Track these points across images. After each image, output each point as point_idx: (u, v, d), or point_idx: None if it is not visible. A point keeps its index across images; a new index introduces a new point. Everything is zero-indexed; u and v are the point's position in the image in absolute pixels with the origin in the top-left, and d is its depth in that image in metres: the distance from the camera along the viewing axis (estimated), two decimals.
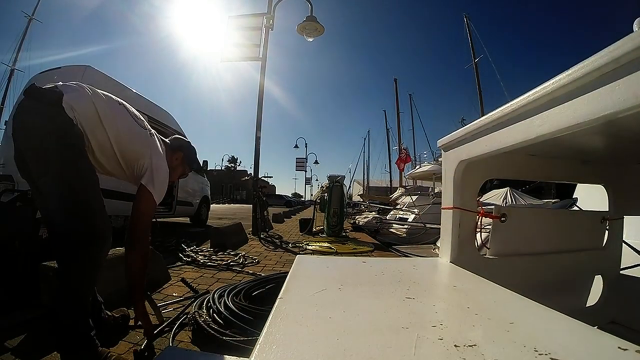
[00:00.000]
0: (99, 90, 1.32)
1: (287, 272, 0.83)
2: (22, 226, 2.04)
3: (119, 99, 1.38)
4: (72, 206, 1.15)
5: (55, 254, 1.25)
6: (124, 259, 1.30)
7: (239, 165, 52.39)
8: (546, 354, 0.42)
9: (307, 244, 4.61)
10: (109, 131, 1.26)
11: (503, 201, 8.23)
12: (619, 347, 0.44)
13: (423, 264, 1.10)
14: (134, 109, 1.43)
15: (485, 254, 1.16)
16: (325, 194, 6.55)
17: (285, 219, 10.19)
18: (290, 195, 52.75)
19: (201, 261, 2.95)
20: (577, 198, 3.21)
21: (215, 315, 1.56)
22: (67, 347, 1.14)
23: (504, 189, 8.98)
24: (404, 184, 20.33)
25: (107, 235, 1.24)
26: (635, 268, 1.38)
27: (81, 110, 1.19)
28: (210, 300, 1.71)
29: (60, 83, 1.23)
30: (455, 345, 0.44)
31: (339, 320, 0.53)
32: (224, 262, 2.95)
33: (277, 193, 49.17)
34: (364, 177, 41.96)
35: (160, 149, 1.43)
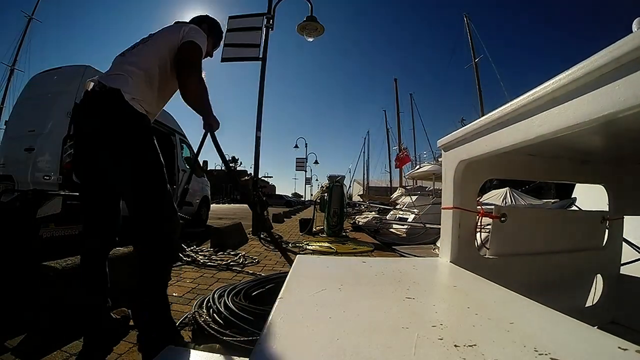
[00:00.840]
0: (122, 59, 1.37)
1: (287, 272, 0.83)
2: (22, 226, 2.04)
3: (133, 47, 1.42)
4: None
5: None
6: (183, 92, 1.35)
7: (239, 165, 52.42)
8: (546, 354, 0.42)
9: (307, 244, 4.61)
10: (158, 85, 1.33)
11: (503, 201, 8.23)
12: (619, 347, 0.44)
13: (423, 264, 1.10)
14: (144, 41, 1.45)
15: (485, 254, 1.16)
16: (325, 194, 6.55)
17: (285, 219, 10.19)
18: (290, 195, 52.70)
19: (201, 261, 2.95)
20: (575, 198, 3.21)
21: (215, 315, 1.56)
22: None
23: (503, 189, 8.99)
24: (404, 184, 20.32)
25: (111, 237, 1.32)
26: (636, 268, 1.38)
27: (134, 91, 1.24)
28: (210, 300, 1.71)
29: (105, 76, 1.28)
30: (455, 345, 0.44)
31: (339, 320, 0.53)
32: (224, 262, 2.95)
33: (277, 193, 49.14)
34: (364, 177, 41.98)
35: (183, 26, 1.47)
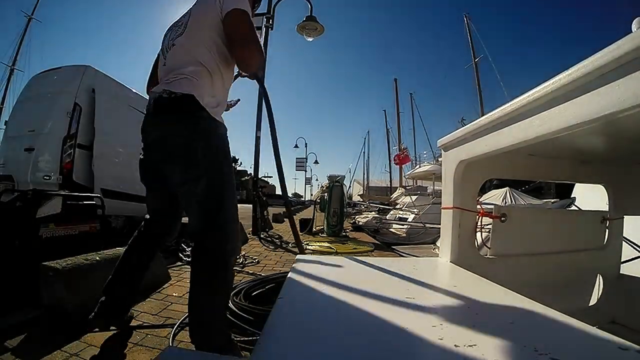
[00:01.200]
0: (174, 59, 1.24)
1: (287, 272, 0.83)
2: (22, 226, 2.04)
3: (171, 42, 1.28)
4: None
5: None
6: (246, 70, 1.26)
7: (239, 165, 52.40)
8: (546, 354, 0.42)
9: (307, 244, 4.61)
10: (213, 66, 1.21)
11: (503, 201, 8.23)
12: (619, 347, 0.44)
13: (423, 264, 1.10)
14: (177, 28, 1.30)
15: (485, 254, 1.16)
16: (325, 194, 6.55)
17: (285, 219, 10.18)
18: (290, 195, 52.67)
19: None
20: (575, 197, 3.21)
21: None
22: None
23: (503, 189, 8.99)
24: (404, 184, 20.34)
25: None
26: (636, 268, 1.38)
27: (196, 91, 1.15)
28: None
29: (168, 83, 1.18)
30: (455, 345, 0.44)
31: (339, 320, 0.53)
32: None
33: (277, 193, 49.15)
34: (364, 177, 42.00)
35: None
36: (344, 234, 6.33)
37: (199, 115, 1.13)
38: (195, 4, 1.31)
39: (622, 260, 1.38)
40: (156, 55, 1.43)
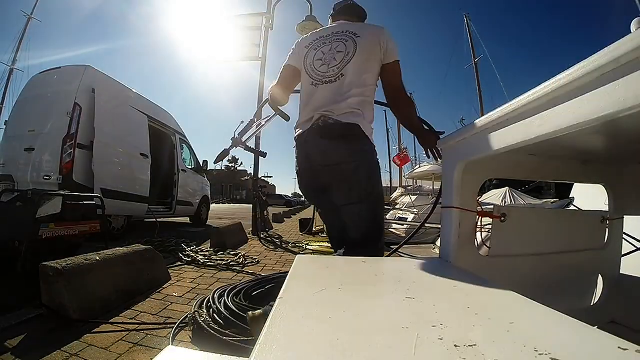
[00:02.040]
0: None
1: (287, 272, 0.83)
2: (22, 226, 2.04)
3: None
4: None
5: None
6: (403, 121, 1.40)
7: (240, 165, 52.37)
8: (546, 354, 0.42)
9: (307, 244, 4.61)
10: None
11: (502, 201, 8.22)
12: (619, 347, 0.44)
13: (423, 264, 1.10)
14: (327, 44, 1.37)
15: (485, 254, 1.16)
16: None
17: (285, 219, 10.19)
18: (290, 195, 52.62)
19: (201, 261, 2.95)
20: (574, 197, 3.21)
21: (215, 315, 1.56)
22: None
23: (503, 189, 8.98)
24: (403, 184, 20.32)
25: None
26: (636, 268, 1.38)
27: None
28: (210, 300, 1.72)
29: (332, 106, 1.25)
30: (455, 345, 0.44)
31: (339, 320, 0.53)
32: (224, 262, 2.95)
33: (277, 193, 49.15)
34: None
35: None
36: None
37: (364, 143, 1.23)
38: (354, 32, 1.34)
39: (623, 254, 1.38)
40: (284, 68, 1.48)
